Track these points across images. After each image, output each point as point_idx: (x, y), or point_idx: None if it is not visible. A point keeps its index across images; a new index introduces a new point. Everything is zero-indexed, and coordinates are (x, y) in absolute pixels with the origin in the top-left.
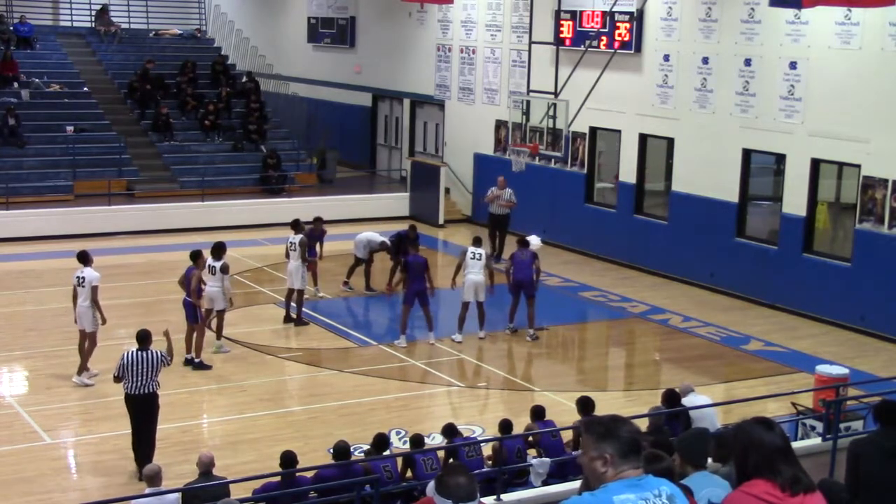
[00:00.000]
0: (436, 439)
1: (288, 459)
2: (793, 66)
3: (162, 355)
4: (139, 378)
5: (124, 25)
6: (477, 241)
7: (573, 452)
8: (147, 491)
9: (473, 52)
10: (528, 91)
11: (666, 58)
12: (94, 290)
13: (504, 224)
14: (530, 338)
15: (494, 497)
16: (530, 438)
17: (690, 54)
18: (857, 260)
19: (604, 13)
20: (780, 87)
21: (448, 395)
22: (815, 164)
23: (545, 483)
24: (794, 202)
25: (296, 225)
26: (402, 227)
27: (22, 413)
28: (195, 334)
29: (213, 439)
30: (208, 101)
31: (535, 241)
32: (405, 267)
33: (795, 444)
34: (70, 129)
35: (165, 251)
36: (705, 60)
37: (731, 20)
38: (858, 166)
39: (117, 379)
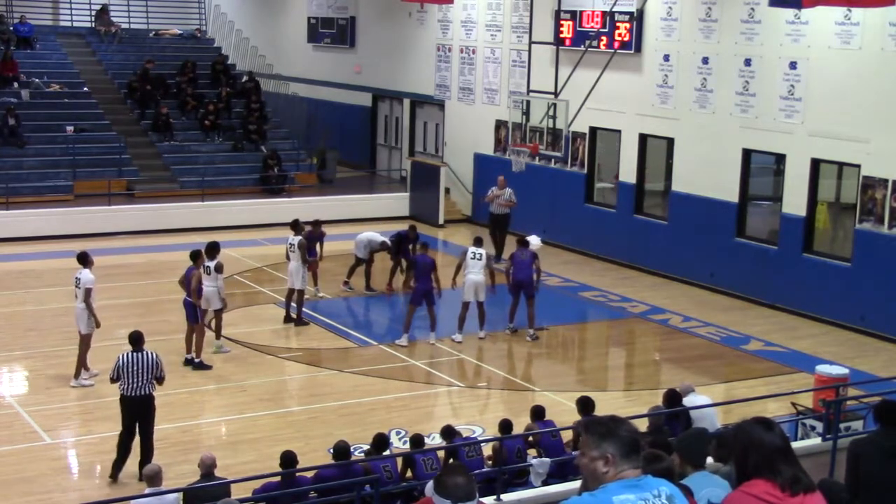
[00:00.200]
0: (436, 439)
1: (288, 459)
2: (793, 66)
3: (157, 361)
4: (135, 379)
5: (124, 25)
6: (478, 242)
7: (573, 452)
8: (147, 491)
9: (473, 52)
10: (528, 91)
11: (666, 58)
12: (87, 292)
13: (504, 224)
14: (530, 338)
15: (494, 497)
16: (530, 438)
17: (690, 54)
18: (857, 260)
19: (604, 13)
20: (780, 87)
21: (448, 395)
22: (815, 164)
23: (545, 483)
24: (794, 202)
25: (295, 226)
26: (403, 227)
27: (22, 413)
28: (195, 334)
29: (213, 439)
30: (208, 101)
31: (535, 241)
32: (413, 266)
33: (795, 444)
34: (70, 129)
35: (165, 251)
36: (705, 60)
37: (731, 20)
38: (858, 166)
39: (114, 380)
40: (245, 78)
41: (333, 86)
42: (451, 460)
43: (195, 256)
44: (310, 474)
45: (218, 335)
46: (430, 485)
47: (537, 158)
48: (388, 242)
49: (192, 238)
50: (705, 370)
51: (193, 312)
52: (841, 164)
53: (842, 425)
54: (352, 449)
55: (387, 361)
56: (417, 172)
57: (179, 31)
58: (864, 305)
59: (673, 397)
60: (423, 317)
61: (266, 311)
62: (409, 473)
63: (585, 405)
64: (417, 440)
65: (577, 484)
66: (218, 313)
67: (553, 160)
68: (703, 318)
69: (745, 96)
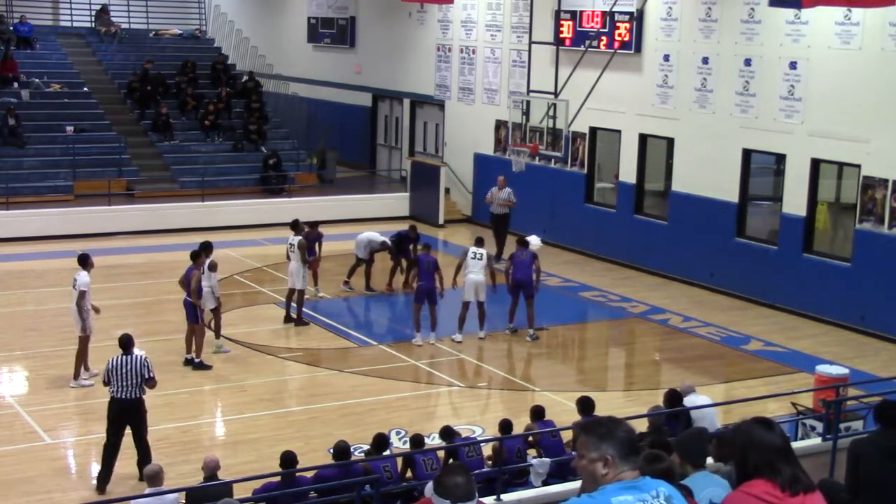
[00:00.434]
0: (436, 440)
1: (288, 459)
2: (793, 66)
3: (146, 363)
4: (124, 382)
5: (124, 25)
6: (479, 242)
7: (573, 452)
8: (147, 491)
9: (473, 52)
10: (528, 91)
11: (666, 58)
12: (81, 294)
13: (504, 223)
14: (530, 338)
15: (494, 497)
16: (530, 438)
17: (690, 54)
18: (857, 260)
19: (604, 13)
20: (780, 87)
21: (448, 395)
22: (815, 164)
23: (545, 483)
24: (794, 202)
25: (295, 226)
26: (403, 227)
27: (22, 413)
28: (195, 334)
29: (213, 439)
30: (208, 101)
31: (535, 241)
32: (415, 265)
33: (795, 444)
34: (70, 129)
35: (165, 251)
36: (705, 60)
37: (731, 20)
38: (858, 166)
39: (106, 384)
40: (245, 77)
41: (333, 86)
42: (450, 460)
43: (195, 256)
44: (310, 474)
45: (217, 334)
46: (429, 485)
47: (537, 158)
48: (389, 242)
49: (192, 238)
50: (705, 370)
51: (193, 312)
52: (841, 164)
53: (842, 425)
54: (352, 449)
55: (387, 361)
56: (417, 172)
57: (179, 31)
58: (864, 305)
59: (673, 397)
60: (425, 316)
61: (266, 311)
62: (409, 473)
63: (585, 405)
64: (417, 440)
65: (577, 484)
66: (214, 312)
67: (553, 160)
68: (703, 318)
69: (745, 96)
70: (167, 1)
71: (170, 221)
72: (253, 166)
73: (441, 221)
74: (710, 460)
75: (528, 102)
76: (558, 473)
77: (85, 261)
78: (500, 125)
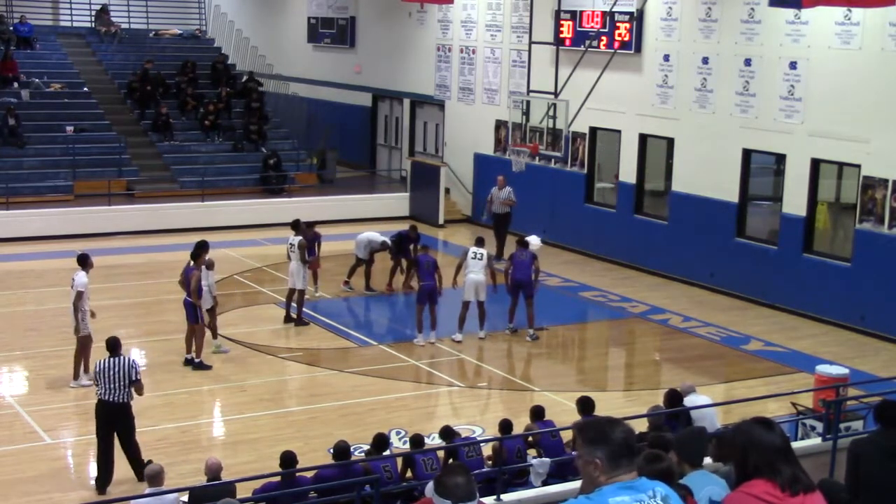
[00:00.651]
0: (436, 440)
1: (288, 459)
2: (793, 66)
3: (133, 366)
4: (111, 385)
5: (124, 25)
6: (479, 242)
7: (573, 452)
8: (147, 491)
9: (473, 52)
10: (528, 91)
11: (666, 58)
12: (78, 295)
13: (505, 223)
14: (530, 338)
15: (494, 497)
16: (530, 438)
17: (690, 54)
18: (857, 260)
19: (604, 13)
20: (780, 87)
21: (448, 395)
22: (815, 164)
23: (545, 483)
24: (794, 202)
25: (296, 226)
26: (403, 227)
27: (22, 413)
28: (195, 334)
29: (213, 439)
30: (208, 101)
31: (535, 241)
32: (415, 265)
33: (795, 444)
34: (70, 129)
35: (165, 251)
36: (705, 60)
37: (731, 20)
38: (858, 166)
39: (96, 385)
40: (245, 77)
41: (333, 86)
42: (450, 460)
43: (195, 256)
44: (310, 474)
45: (214, 335)
46: (430, 485)
47: (537, 158)
48: (389, 242)
49: (192, 238)
50: (705, 370)
51: (193, 312)
52: (841, 164)
53: (842, 425)
54: (352, 449)
55: (387, 361)
56: (417, 172)
57: (179, 31)
58: (864, 305)
59: (674, 397)
60: (426, 316)
61: (266, 311)
62: (409, 473)
63: (585, 405)
64: (417, 440)
65: (576, 484)
66: (210, 312)
67: (553, 160)
68: (703, 318)
69: (745, 96)
70: (167, 1)
71: (170, 221)
72: (253, 166)
73: (441, 221)
74: (708, 460)
75: (528, 102)
76: (558, 473)
77: (84, 261)
78: (500, 125)
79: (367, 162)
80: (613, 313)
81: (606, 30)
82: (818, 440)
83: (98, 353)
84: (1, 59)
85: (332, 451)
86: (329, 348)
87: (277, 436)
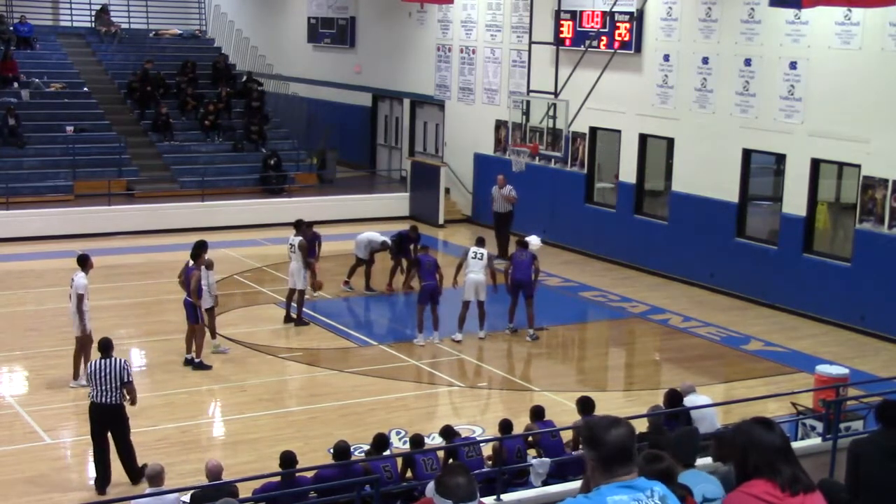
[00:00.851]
0: (436, 440)
1: (288, 459)
2: (793, 66)
3: (125, 367)
4: (104, 386)
5: (124, 25)
6: (479, 241)
7: (573, 452)
8: (147, 491)
9: (473, 52)
10: (528, 91)
11: (666, 58)
12: (79, 297)
13: (506, 222)
14: (530, 338)
15: (494, 497)
16: (530, 438)
17: (690, 54)
18: (857, 260)
19: (604, 13)
20: (780, 87)
21: (448, 395)
22: (815, 164)
23: (545, 483)
24: (794, 202)
25: (297, 226)
26: (403, 227)
27: (22, 413)
28: (195, 334)
29: (213, 439)
30: (208, 101)
31: (535, 241)
32: (416, 265)
33: (795, 444)
34: (70, 129)
35: (165, 251)
36: (705, 60)
37: (731, 20)
38: (858, 166)
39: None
40: (245, 77)
41: (333, 86)
42: (450, 460)
43: (196, 256)
44: (310, 474)
45: (213, 334)
46: (430, 485)
47: (537, 158)
48: (389, 242)
49: (192, 238)
50: (705, 370)
51: (193, 312)
52: (841, 164)
53: (842, 425)
54: (352, 449)
55: (387, 361)
56: (417, 172)
57: (179, 31)
58: (864, 305)
59: (673, 397)
60: (427, 316)
61: (266, 311)
62: (409, 473)
63: (585, 405)
64: (417, 440)
65: (576, 484)
66: (209, 312)
67: (553, 160)
68: (703, 318)
69: (745, 96)
70: (167, 1)
71: (170, 221)
72: (253, 166)
73: (441, 221)
74: (708, 460)
75: (528, 102)
76: (558, 473)
77: (84, 262)
78: (500, 125)
79: (367, 162)
80: (613, 313)
81: (606, 30)
82: (818, 440)
83: (97, 353)
84: (1, 59)
85: (332, 451)
86: (329, 348)
87: (277, 436)
